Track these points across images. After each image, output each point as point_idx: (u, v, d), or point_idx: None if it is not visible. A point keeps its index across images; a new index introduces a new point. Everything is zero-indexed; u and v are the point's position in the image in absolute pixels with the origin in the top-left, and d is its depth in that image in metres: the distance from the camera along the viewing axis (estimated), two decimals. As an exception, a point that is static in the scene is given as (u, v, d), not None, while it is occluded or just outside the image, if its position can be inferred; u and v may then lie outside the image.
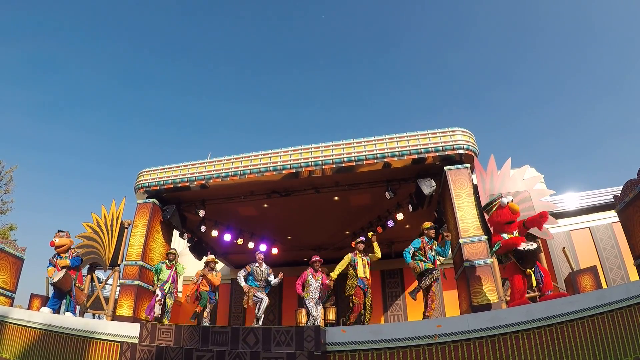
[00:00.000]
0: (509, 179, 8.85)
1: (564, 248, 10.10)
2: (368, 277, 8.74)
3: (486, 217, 7.88)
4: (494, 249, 7.08)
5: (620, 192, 7.71)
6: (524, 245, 6.57)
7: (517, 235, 6.97)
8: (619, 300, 5.54)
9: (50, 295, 8.86)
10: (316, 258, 9.38)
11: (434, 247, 8.31)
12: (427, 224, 8.49)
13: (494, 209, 7.31)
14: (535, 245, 6.58)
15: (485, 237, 8.35)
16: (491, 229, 7.57)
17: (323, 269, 9.38)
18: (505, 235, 6.96)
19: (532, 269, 6.66)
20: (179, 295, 9.24)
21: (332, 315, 10.34)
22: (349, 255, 8.94)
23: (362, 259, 8.88)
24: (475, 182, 9.01)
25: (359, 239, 9.21)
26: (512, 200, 7.19)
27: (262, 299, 8.88)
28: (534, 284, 6.68)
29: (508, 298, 8.20)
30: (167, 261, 9.29)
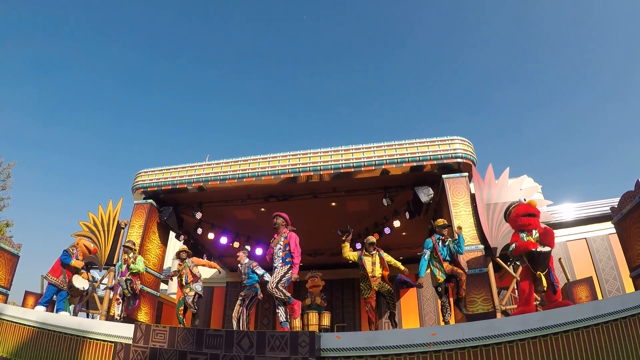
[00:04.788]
0: (507, 188, 8.86)
1: (560, 259, 10.11)
2: (377, 275, 8.26)
3: (495, 219, 7.94)
4: (510, 248, 7.07)
5: (617, 203, 7.73)
6: (537, 247, 6.60)
7: (537, 236, 6.92)
8: (614, 311, 5.55)
9: (45, 292, 8.81)
10: (280, 213, 8.19)
11: (448, 243, 7.75)
12: (440, 222, 7.99)
13: (512, 208, 7.35)
14: (547, 248, 6.58)
15: (482, 246, 8.36)
16: (513, 228, 7.49)
17: (289, 230, 7.95)
18: (523, 236, 6.93)
19: (544, 272, 6.65)
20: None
21: (326, 320, 10.33)
22: (357, 253, 8.51)
23: (371, 257, 8.40)
24: (472, 191, 9.02)
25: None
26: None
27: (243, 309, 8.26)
28: (545, 287, 6.65)
29: (504, 307, 8.20)
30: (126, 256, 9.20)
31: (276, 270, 7.31)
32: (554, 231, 8.23)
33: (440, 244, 7.76)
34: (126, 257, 9.11)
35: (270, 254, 7.72)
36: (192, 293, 8.92)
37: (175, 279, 9.28)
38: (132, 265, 8.94)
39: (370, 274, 8.27)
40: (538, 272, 6.62)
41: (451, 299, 7.72)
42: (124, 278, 8.82)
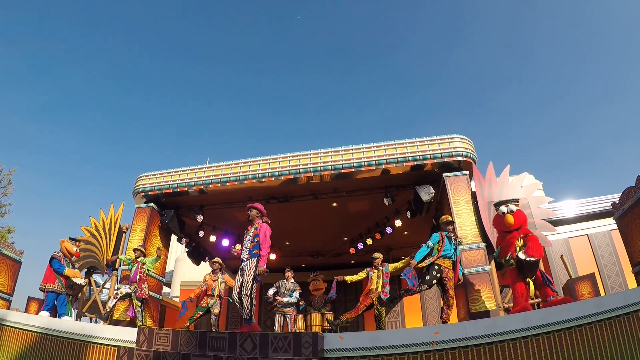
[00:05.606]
0: (508, 186, 8.86)
1: (562, 255, 10.12)
2: (379, 289, 8.95)
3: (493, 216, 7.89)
4: (495, 252, 7.10)
5: (618, 199, 7.72)
6: (524, 256, 6.57)
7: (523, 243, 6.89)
8: (617, 308, 5.54)
9: (46, 300, 8.80)
10: (255, 204, 7.75)
11: (454, 240, 7.69)
12: (444, 218, 8.01)
13: (496, 212, 7.29)
14: (535, 258, 6.56)
15: (484, 244, 8.34)
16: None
17: (262, 221, 7.60)
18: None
19: (532, 278, 6.65)
20: (146, 294, 9.03)
21: (329, 321, 10.34)
22: (366, 269, 9.30)
23: (378, 272, 9.17)
24: (473, 189, 9.02)
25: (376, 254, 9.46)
26: (513, 212, 6.99)
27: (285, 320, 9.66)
28: (532, 293, 6.66)
29: (506, 305, 8.20)
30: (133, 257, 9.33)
31: (245, 268, 6.89)
32: (556, 228, 8.23)
33: (447, 241, 7.65)
34: (137, 261, 9.18)
35: (241, 245, 7.34)
36: (217, 311, 9.37)
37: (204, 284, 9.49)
38: (146, 260, 9.17)
39: (374, 287, 8.95)
40: (527, 279, 6.63)
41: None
42: (131, 288, 8.89)
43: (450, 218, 8.04)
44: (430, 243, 7.69)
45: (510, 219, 6.92)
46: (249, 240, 7.10)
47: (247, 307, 6.79)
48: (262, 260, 6.85)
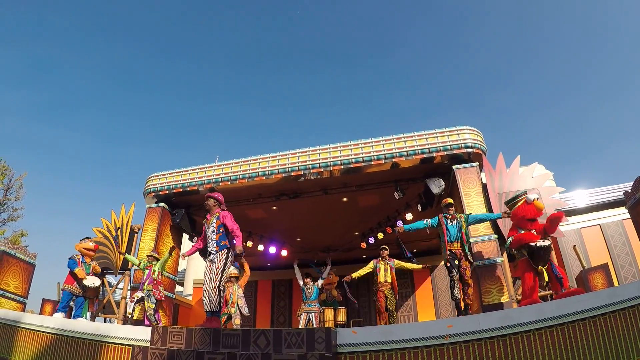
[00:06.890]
0: (518, 177, 8.81)
1: (574, 246, 10.03)
2: (388, 281, 9.20)
3: (504, 210, 7.82)
4: (507, 243, 7.05)
5: (630, 188, 7.65)
6: (537, 242, 6.53)
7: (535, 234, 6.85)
8: (631, 298, 5.49)
9: (61, 299, 8.86)
10: (212, 194, 7.56)
11: (459, 219, 7.66)
12: (444, 201, 7.98)
13: (519, 203, 7.17)
14: (547, 243, 6.52)
15: (496, 236, 8.31)
16: (512, 223, 7.40)
17: (221, 210, 7.34)
18: (522, 231, 6.89)
19: (545, 267, 6.60)
20: (162, 295, 9.13)
21: (342, 316, 10.36)
22: (372, 262, 9.58)
23: (385, 264, 9.40)
24: (484, 181, 8.98)
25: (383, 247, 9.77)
26: (537, 199, 6.98)
27: (309, 319, 10.10)
28: (546, 280, 6.62)
29: (519, 297, 8.15)
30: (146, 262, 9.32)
31: (214, 262, 6.86)
32: (567, 218, 8.15)
33: (447, 222, 7.67)
34: (151, 265, 9.20)
35: (203, 238, 7.31)
36: (238, 322, 9.22)
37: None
38: (156, 264, 9.17)
39: (382, 280, 9.20)
40: (540, 267, 6.56)
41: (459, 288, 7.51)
42: (144, 293, 8.91)
43: (450, 201, 7.96)
44: (429, 221, 7.84)
45: (541, 204, 6.90)
46: (214, 232, 6.99)
47: (216, 300, 6.84)
48: (238, 241, 6.84)
